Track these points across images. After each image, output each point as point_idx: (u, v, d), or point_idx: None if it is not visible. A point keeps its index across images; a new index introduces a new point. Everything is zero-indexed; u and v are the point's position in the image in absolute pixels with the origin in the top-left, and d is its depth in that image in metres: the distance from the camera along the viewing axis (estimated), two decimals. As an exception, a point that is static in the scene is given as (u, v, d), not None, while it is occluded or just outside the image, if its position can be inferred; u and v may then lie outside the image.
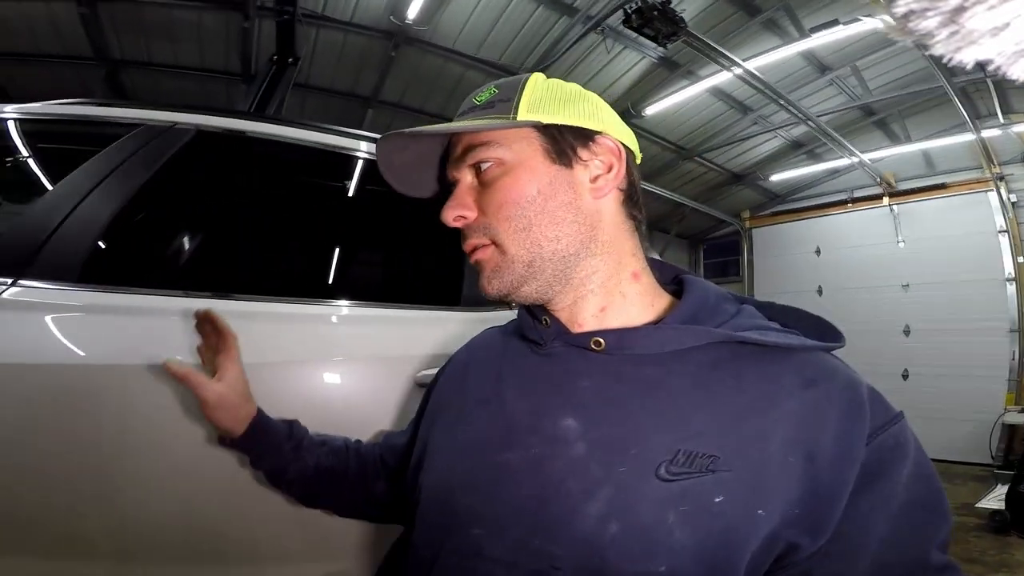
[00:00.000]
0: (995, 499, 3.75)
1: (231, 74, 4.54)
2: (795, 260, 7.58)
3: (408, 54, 4.61)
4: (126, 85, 4.68)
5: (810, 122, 5.43)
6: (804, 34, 4.22)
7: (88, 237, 0.89)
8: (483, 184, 0.56)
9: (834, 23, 3.92)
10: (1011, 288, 5.76)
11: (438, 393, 0.69)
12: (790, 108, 5.14)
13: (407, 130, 0.56)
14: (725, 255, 8.54)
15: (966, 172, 6.12)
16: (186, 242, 1.15)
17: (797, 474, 0.44)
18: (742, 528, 0.43)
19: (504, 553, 0.48)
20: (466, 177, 0.58)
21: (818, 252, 7.34)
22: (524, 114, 0.55)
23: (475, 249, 0.57)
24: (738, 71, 4.51)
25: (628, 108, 5.24)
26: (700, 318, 0.53)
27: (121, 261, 0.99)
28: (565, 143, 0.56)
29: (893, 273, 6.57)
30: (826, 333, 0.53)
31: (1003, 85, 4.78)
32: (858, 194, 7.02)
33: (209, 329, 0.74)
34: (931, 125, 5.83)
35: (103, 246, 0.91)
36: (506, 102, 0.56)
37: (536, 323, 0.60)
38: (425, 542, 0.55)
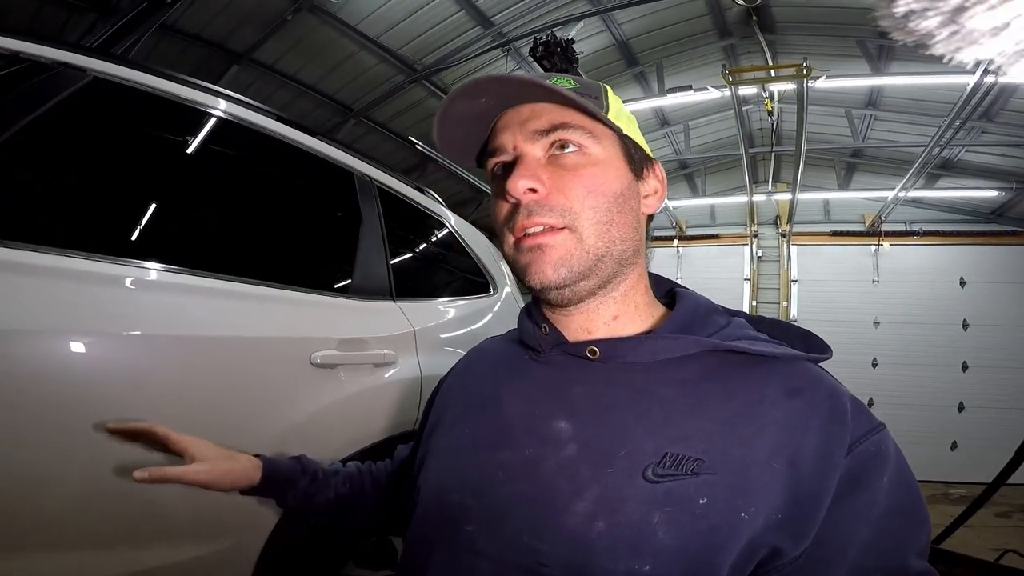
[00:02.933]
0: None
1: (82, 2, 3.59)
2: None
3: (305, 20, 4.24)
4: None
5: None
6: (663, 92, 5.07)
7: None
8: (561, 167, 0.55)
9: (688, 88, 4.82)
10: None
11: (440, 402, 0.71)
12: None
13: (524, 76, 0.55)
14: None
15: (735, 227, 7.86)
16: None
17: (780, 480, 0.45)
18: (725, 530, 0.44)
19: (495, 550, 0.50)
20: (536, 151, 0.56)
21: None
22: (612, 117, 0.57)
23: (542, 230, 0.54)
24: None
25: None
26: (691, 328, 0.56)
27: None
28: (638, 155, 0.60)
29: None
30: (813, 345, 0.56)
31: (780, 158, 6.35)
32: (657, 233, 8.49)
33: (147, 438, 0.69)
34: (722, 184, 7.43)
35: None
36: (596, 99, 0.58)
37: (536, 330, 0.61)
38: (419, 539, 0.58)
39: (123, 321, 0.83)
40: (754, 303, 7.60)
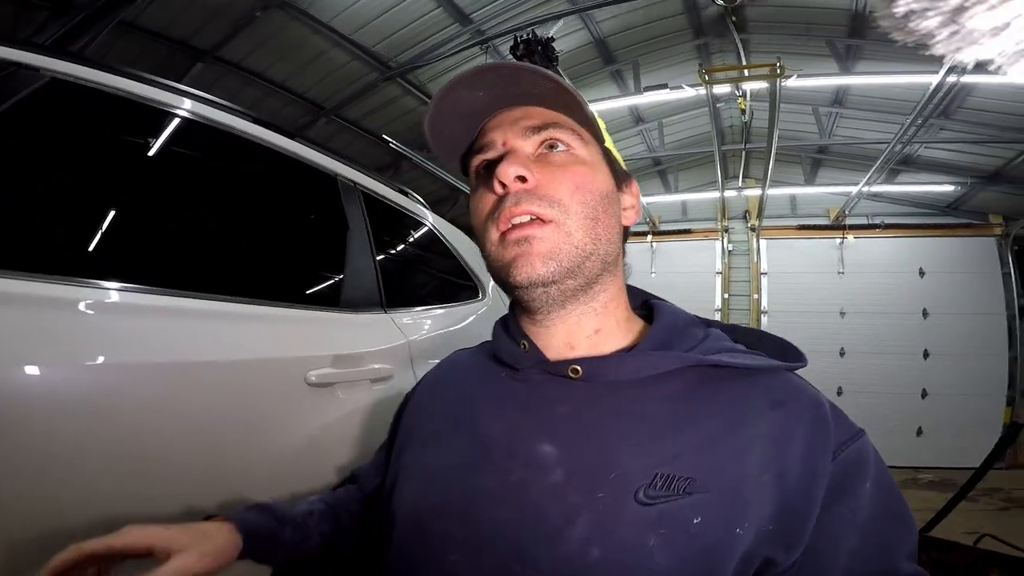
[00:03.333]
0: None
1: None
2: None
3: (274, 17, 4.11)
4: None
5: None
6: (639, 90, 5.11)
7: None
8: (550, 163, 0.56)
9: (664, 86, 4.86)
10: (718, 315, 7.67)
11: (408, 417, 0.68)
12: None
13: (531, 65, 0.57)
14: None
15: (706, 222, 8.01)
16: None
17: (769, 491, 0.46)
18: (720, 548, 0.44)
19: None
20: (527, 147, 0.57)
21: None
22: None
23: (530, 220, 0.53)
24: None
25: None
26: (671, 343, 0.55)
27: None
28: (618, 169, 0.61)
29: (646, 298, 8.26)
30: (788, 353, 0.56)
31: (750, 155, 6.48)
32: (632, 230, 8.60)
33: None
34: (694, 180, 7.55)
35: None
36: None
37: (514, 347, 0.60)
38: (400, 568, 0.56)
39: (86, 349, 0.75)
40: (726, 295, 7.78)
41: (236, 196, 1.27)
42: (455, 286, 2.06)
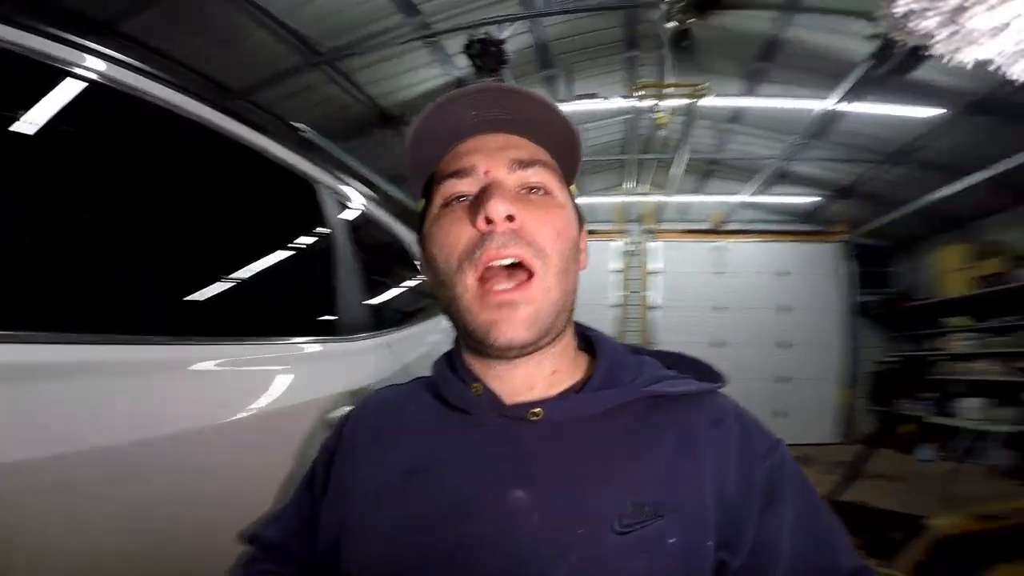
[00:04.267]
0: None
1: None
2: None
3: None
4: None
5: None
6: (571, 97, 5.26)
7: None
8: (531, 203, 0.54)
9: (595, 96, 5.06)
10: (614, 312, 8.19)
11: (340, 468, 0.61)
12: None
13: (539, 96, 0.56)
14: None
15: (606, 223, 8.49)
16: None
17: (717, 503, 0.50)
18: (695, 561, 0.48)
19: None
20: (511, 182, 0.55)
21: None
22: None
23: (514, 267, 0.52)
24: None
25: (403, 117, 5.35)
26: (618, 376, 0.57)
27: None
28: (580, 212, 0.62)
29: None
30: (708, 373, 0.60)
31: (659, 163, 6.95)
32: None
33: None
34: (602, 183, 7.94)
35: None
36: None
37: (465, 390, 0.58)
38: None
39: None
40: (625, 293, 8.26)
41: (203, 204, 0.97)
42: (429, 297, 1.87)
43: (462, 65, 4.59)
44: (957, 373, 6.64)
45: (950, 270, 6.69)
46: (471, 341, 0.55)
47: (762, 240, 8.26)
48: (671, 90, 4.74)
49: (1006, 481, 4.96)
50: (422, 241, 0.61)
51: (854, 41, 4.00)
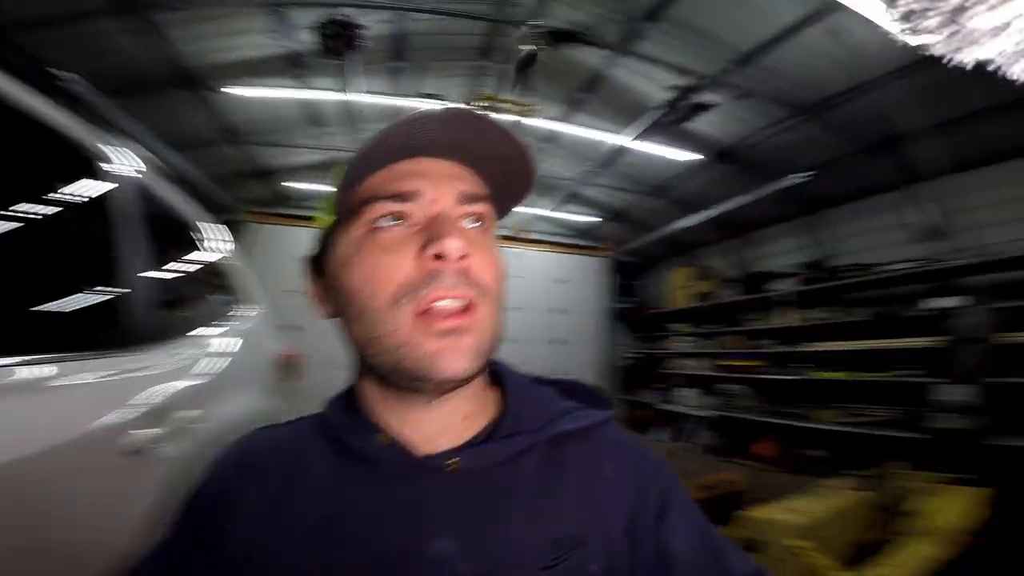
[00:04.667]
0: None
1: None
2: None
3: None
4: None
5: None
6: (413, 94, 5.14)
7: None
8: (473, 240, 0.52)
9: (440, 97, 5.08)
10: None
11: (226, 520, 0.53)
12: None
13: (516, 137, 0.52)
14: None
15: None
16: None
17: (622, 525, 0.53)
18: None
19: None
20: (455, 214, 0.52)
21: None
22: None
23: (460, 307, 0.49)
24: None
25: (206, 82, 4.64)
26: (526, 417, 0.57)
27: None
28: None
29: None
30: (597, 399, 0.63)
31: None
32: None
33: None
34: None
35: None
36: None
37: (372, 438, 0.54)
38: None
39: None
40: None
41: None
42: (222, 290, 1.70)
43: (304, 40, 4.16)
44: (678, 368, 8.36)
45: (678, 287, 8.53)
46: (402, 379, 0.50)
47: (550, 250, 9.26)
48: (506, 105, 4.96)
49: (711, 457, 6.24)
50: (326, 264, 0.56)
51: (657, 89, 4.81)
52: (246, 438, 0.60)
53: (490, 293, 0.51)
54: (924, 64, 3.74)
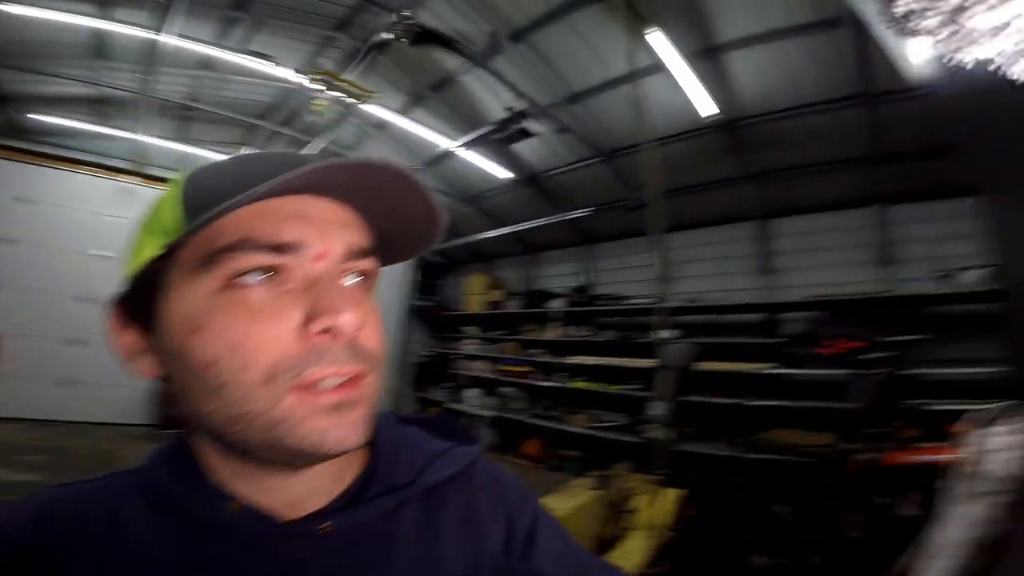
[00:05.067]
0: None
1: None
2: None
3: None
4: None
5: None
6: (242, 48, 4.77)
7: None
8: (359, 302, 0.45)
9: (268, 57, 4.80)
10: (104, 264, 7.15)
11: None
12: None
13: (426, 191, 0.46)
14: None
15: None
16: None
17: (500, 561, 0.55)
18: None
19: None
20: (339, 270, 0.45)
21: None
22: None
23: (354, 380, 0.43)
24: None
25: None
26: (401, 465, 0.55)
27: None
28: None
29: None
30: (462, 434, 0.62)
31: (297, 143, 6.91)
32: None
33: None
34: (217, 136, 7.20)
35: None
36: None
37: (221, 504, 0.46)
38: None
39: None
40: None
41: None
42: None
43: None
44: (466, 369, 8.54)
45: (473, 292, 9.07)
46: (276, 455, 0.43)
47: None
48: (343, 85, 4.89)
49: (490, 455, 6.93)
50: (154, 316, 0.45)
51: (497, 105, 5.20)
52: (35, 501, 0.46)
53: (380, 363, 0.46)
54: (696, 133, 4.81)
